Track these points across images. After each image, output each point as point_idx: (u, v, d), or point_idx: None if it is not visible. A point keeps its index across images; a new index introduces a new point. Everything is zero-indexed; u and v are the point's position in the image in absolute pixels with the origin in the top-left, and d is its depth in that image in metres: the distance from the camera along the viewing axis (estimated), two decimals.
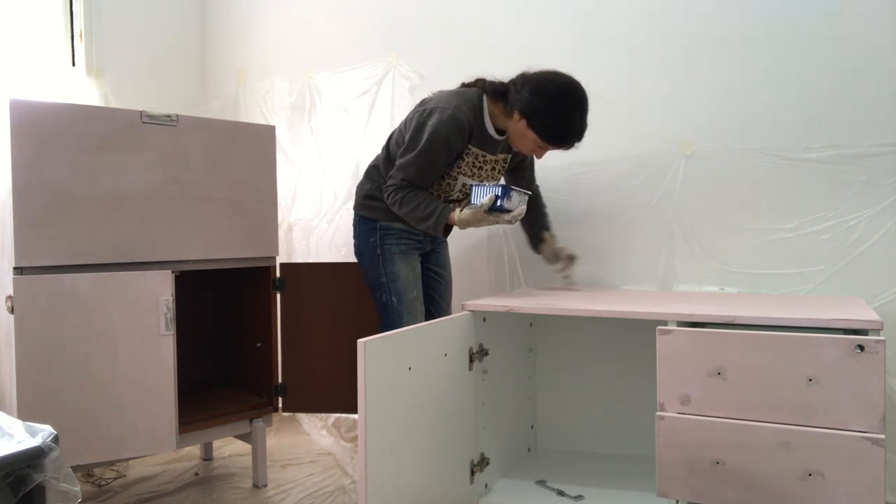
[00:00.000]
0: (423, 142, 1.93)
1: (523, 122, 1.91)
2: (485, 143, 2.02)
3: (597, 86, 2.32)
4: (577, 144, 1.94)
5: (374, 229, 2.10)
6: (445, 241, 2.30)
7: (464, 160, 2.01)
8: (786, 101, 2.05)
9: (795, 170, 2.04)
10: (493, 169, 2.10)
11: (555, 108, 1.87)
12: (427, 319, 2.12)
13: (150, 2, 3.11)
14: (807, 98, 2.02)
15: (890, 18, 1.91)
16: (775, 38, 2.06)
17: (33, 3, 2.72)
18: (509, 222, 1.92)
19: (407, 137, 1.99)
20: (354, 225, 2.17)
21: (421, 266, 2.19)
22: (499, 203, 1.85)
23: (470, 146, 2.00)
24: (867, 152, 1.95)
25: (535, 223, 2.24)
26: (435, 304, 2.23)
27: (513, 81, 1.96)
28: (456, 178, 2.03)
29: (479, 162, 2.04)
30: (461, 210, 1.91)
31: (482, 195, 1.87)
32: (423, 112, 1.97)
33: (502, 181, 2.17)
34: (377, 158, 2.16)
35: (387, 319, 2.08)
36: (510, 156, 2.13)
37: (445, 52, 2.61)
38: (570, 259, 2.19)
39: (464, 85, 2.06)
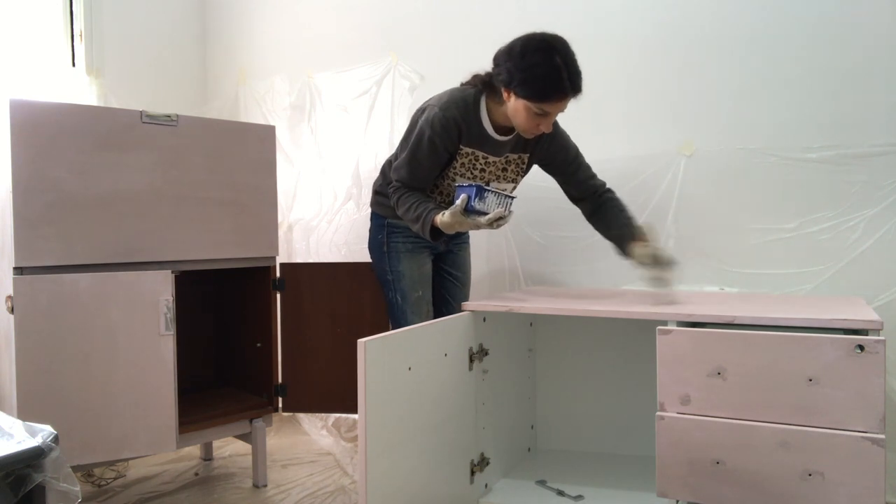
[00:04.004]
0: (411, 142, 1.91)
1: (512, 96, 1.78)
2: (484, 143, 1.92)
3: (597, 86, 2.32)
4: (574, 93, 1.76)
5: (382, 226, 2.10)
6: (465, 242, 2.25)
7: (457, 161, 1.93)
8: (786, 101, 2.05)
9: (795, 170, 2.04)
10: (504, 170, 2.00)
11: (528, 59, 1.73)
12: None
13: (150, 2, 3.11)
14: (807, 98, 2.02)
15: (890, 18, 1.91)
16: (775, 38, 2.06)
17: (33, 3, 2.72)
18: (490, 226, 1.77)
19: (403, 137, 1.99)
20: (370, 220, 2.18)
21: (435, 266, 2.17)
22: (470, 204, 1.74)
23: (462, 146, 1.91)
24: (867, 152, 1.95)
25: (612, 225, 2.01)
26: (448, 305, 2.18)
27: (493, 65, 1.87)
28: (454, 180, 1.96)
29: (480, 164, 1.95)
30: (443, 214, 1.82)
31: (459, 196, 1.77)
32: (418, 111, 1.96)
33: (516, 185, 2.07)
34: (393, 155, 2.10)
35: (392, 317, 2.10)
36: (528, 155, 2.02)
37: (445, 52, 2.62)
38: (669, 264, 1.85)
39: (463, 85, 1.99)
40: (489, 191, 1.77)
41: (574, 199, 2.12)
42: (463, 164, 1.94)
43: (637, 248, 1.88)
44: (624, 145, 2.28)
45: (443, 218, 1.80)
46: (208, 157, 2.07)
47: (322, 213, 2.87)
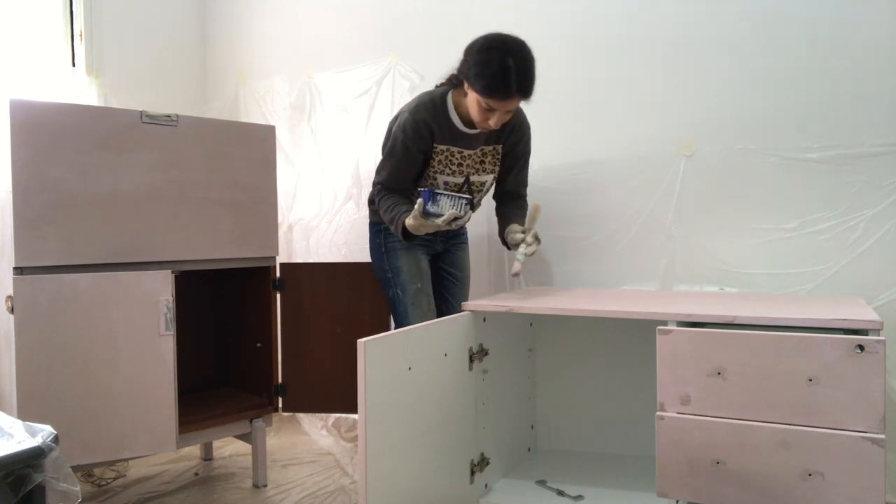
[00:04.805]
0: (388, 146, 2.02)
1: (469, 88, 1.87)
2: (455, 139, 2.00)
3: (597, 86, 2.33)
4: (521, 95, 1.84)
5: (379, 231, 2.15)
6: (463, 242, 2.29)
7: (434, 159, 2.01)
8: (786, 101, 2.05)
9: (795, 170, 2.03)
10: (482, 162, 2.07)
11: (483, 56, 1.82)
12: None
13: (150, 2, 3.11)
14: (807, 98, 2.02)
15: (890, 18, 1.91)
16: (775, 37, 2.06)
17: (33, 3, 2.72)
18: (450, 227, 1.89)
19: (382, 143, 2.09)
20: (368, 229, 2.24)
21: (433, 266, 2.21)
22: (426, 207, 1.85)
23: (436, 145, 1.99)
24: (867, 152, 1.95)
25: (508, 213, 2.13)
26: (448, 304, 2.23)
27: None
28: (435, 178, 2.03)
29: (457, 159, 2.02)
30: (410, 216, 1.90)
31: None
32: (393, 119, 2.06)
33: (495, 175, 2.12)
34: None
35: (395, 313, 2.13)
36: (500, 145, 2.08)
37: (445, 52, 2.60)
38: (536, 239, 1.99)
39: (437, 86, 2.06)
40: (441, 193, 1.87)
41: (498, 195, 2.21)
42: (440, 161, 2.01)
43: (515, 226, 2.04)
44: (624, 145, 2.28)
45: (409, 220, 1.89)
46: (208, 157, 2.08)
47: (322, 213, 2.87)
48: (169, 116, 1.99)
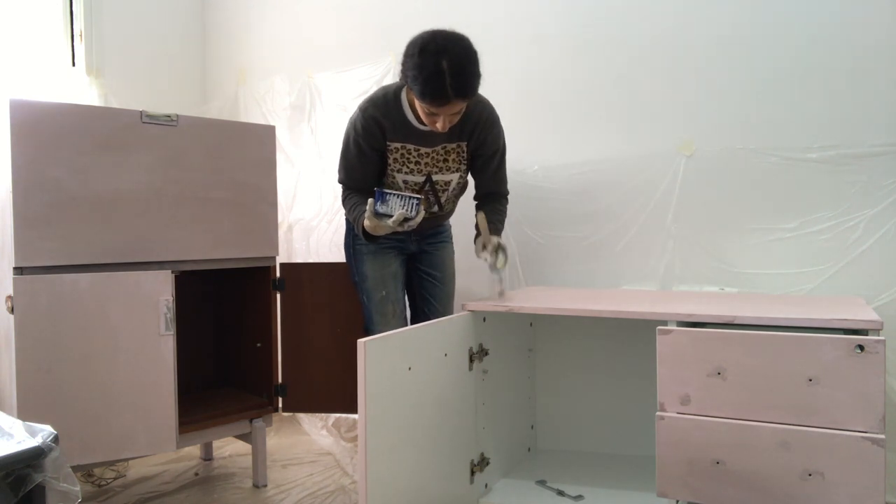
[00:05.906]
0: (342, 145, 2.00)
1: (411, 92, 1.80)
2: (409, 135, 1.93)
3: (597, 86, 2.33)
4: (459, 97, 1.73)
5: (350, 231, 2.14)
6: (443, 241, 2.24)
7: (390, 157, 1.95)
8: (786, 101, 2.05)
9: (795, 170, 2.03)
10: (445, 161, 1.99)
11: (417, 59, 1.73)
12: (422, 321, 2.10)
13: (150, 2, 3.11)
14: (807, 98, 2.02)
15: (890, 18, 1.91)
16: (775, 38, 2.06)
17: (33, 3, 2.72)
18: (403, 228, 1.85)
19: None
20: None
21: (413, 266, 2.19)
22: (376, 207, 1.83)
23: (389, 142, 1.93)
24: (867, 152, 1.95)
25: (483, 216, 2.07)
26: (429, 304, 2.20)
27: None
28: (394, 177, 1.98)
29: (414, 156, 1.95)
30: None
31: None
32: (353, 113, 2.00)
33: (460, 174, 2.05)
34: None
35: (364, 318, 2.13)
36: (465, 143, 2.00)
37: None
38: (499, 249, 1.95)
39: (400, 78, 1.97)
40: (390, 193, 1.85)
41: (476, 196, 2.16)
42: (396, 159, 1.97)
43: (477, 243, 2.02)
44: (624, 145, 2.28)
45: (366, 222, 1.87)
46: (208, 157, 2.08)
47: (322, 213, 2.87)
48: (169, 116, 1.99)
